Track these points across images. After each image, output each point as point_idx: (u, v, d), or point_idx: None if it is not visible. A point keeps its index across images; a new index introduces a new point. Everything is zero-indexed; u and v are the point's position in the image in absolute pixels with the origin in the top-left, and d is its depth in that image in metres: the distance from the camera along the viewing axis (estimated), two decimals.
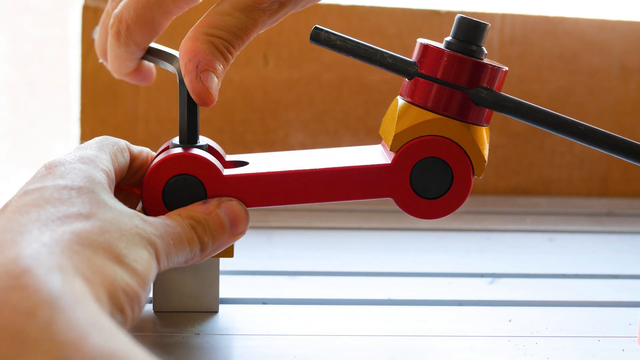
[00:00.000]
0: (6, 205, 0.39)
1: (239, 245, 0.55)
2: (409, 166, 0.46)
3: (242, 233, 0.45)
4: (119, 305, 0.35)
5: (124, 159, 0.45)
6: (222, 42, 0.44)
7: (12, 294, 0.30)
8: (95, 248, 0.36)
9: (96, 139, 0.45)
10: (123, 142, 0.46)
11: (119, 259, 0.36)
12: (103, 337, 0.29)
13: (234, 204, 0.45)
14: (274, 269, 0.60)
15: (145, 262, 0.38)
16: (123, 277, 0.36)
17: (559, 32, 0.88)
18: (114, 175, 0.43)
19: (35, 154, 0.91)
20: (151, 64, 0.53)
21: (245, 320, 0.49)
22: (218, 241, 0.44)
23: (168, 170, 0.45)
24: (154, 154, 0.48)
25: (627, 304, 0.55)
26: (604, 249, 0.70)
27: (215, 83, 0.44)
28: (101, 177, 0.41)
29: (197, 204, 0.44)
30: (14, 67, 0.89)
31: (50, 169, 0.40)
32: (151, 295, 0.48)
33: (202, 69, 0.43)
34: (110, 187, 0.41)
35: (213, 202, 0.45)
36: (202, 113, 0.53)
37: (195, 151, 0.45)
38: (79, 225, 0.36)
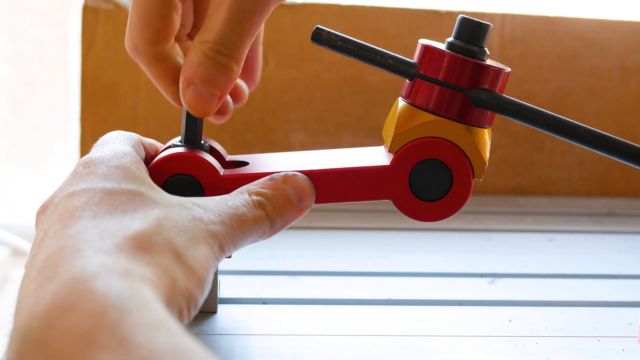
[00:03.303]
0: (46, 206, 0.39)
1: None
2: (407, 168, 0.45)
3: (308, 207, 0.44)
4: (178, 307, 0.35)
5: (142, 152, 0.45)
6: (213, 47, 0.42)
7: (82, 297, 0.31)
8: (155, 250, 0.36)
9: (111, 134, 0.45)
10: (137, 136, 0.46)
11: (179, 258, 0.36)
12: (169, 337, 0.30)
13: (299, 178, 0.44)
14: (274, 269, 0.60)
15: (203, 260, 0.37)
16: (182, 279, 0.36)
17: (559, 32, 0.88)
18: (146, 168, 0.43)
19: (35, 154, 0.91)
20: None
21: (245, 320, 0.49)
22: (286, 217, 0.43)
23: (166, 170, 0.45)
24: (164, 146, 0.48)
25: (627, 304, 0.55)
26: (604, 249, 0.70)
27: (203, 94, 0.43)
28: (142, 173, 0.41)
29: (263, 179, 0.44)
30: (14, 67, 0.89)
31: (89, 167, 0.40)
32: None
33: (187, 84, 0.43)
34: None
35: (279, 178, 0.44)
36: None
37: (194, 151, 0.45)
38: (137, 228, 0.36)
